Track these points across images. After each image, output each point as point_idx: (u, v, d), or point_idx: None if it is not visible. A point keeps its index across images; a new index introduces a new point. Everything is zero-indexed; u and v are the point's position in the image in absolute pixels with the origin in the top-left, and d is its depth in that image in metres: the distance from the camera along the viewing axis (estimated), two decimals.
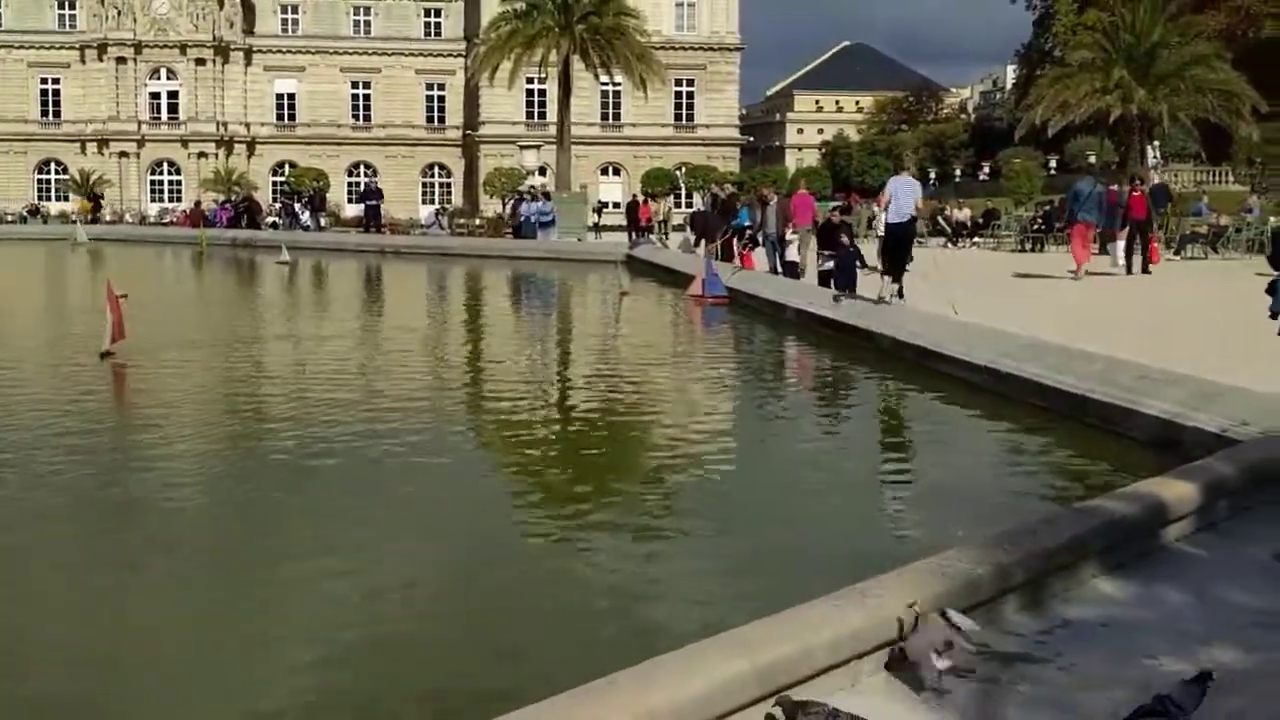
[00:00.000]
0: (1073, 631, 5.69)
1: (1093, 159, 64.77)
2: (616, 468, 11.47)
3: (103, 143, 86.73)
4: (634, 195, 60.87)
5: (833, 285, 22.43)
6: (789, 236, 28.10)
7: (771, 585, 6.93)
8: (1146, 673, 5.19)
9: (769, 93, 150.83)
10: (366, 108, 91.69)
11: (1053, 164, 69.76)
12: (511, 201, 57.89)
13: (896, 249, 20.48)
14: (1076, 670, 5.20)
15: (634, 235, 46.49)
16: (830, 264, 23.11)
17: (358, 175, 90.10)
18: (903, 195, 20.60)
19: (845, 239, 23.69)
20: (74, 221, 65.30)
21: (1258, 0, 68.37)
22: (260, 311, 27.83)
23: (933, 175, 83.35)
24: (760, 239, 31.02)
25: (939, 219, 48.60)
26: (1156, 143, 58.09)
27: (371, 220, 57.68)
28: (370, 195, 58.79)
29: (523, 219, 53.97)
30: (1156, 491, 7.08)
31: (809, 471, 10.93)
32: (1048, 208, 45.37)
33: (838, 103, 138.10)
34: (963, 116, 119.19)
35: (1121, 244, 30.08)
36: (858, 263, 23.32)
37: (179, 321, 23.55)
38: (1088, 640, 5.57)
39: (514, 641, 6.72)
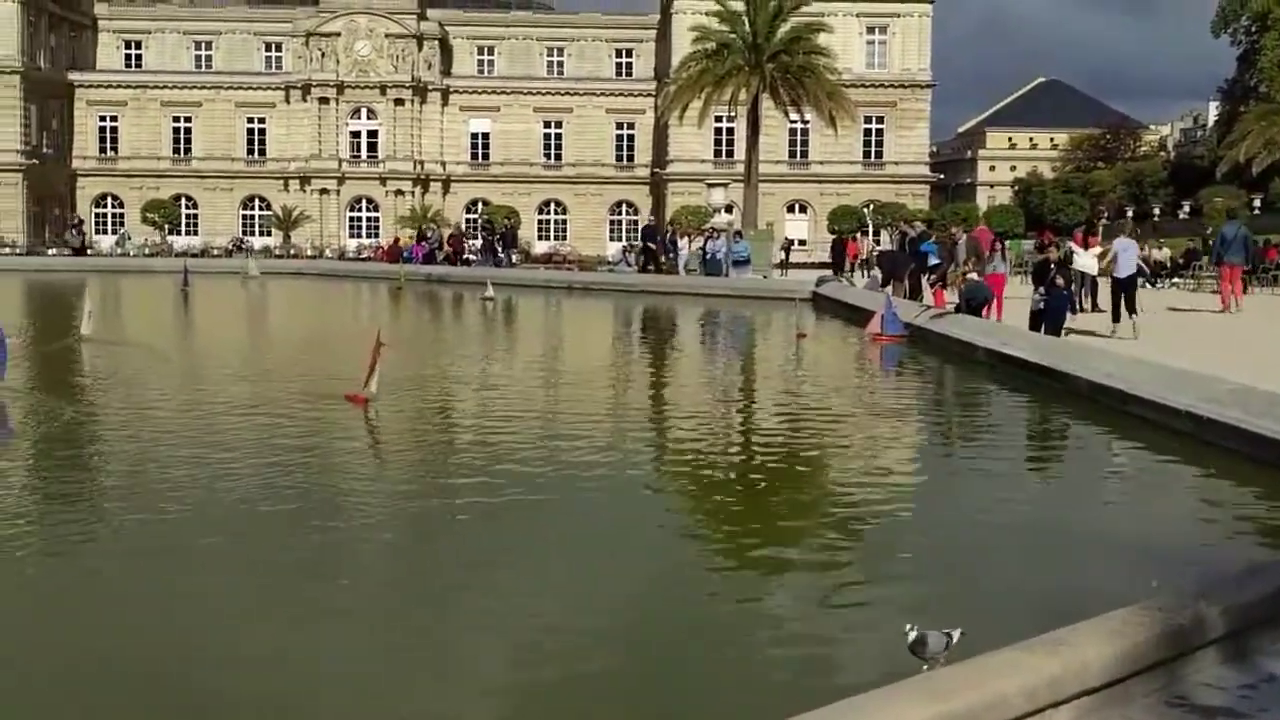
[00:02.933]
0: (1278, 687, 5.50)
1: None
2: (788, 512, 11.38)
3: (304, 180, 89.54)
4: (840, 233, 60.86)
5: (1042, 328, 22.10)
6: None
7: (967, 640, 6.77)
8: None
9: (961, 129, 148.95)
10: (558, 146, 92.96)
11: (1257, 203, 67.28)
12: (668, 237, 58.27)
13: (1123, 296, 21.34)
14: None
15: (838, 273, 46.54)
16: (1042, 304, 22.74)
17: (548, 213, 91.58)
18: (1125, 254, 23.52)
19: (1060, 280, 23.25)
20: (251, 255, 67.53)
21: None
22: (488, 349, 27.90)
23: (1129, 214, 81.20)
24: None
25: (1139, 259, 47.26)
26: None
27: (649, 260, 55.31)
28: (649, 235, 57.17)
29: (708, 256, 54.26)
30: None
31: (995, 519, 10.74)
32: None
33: (1031, 140, 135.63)
34: (1162, 154, 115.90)
35: None
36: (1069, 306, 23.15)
37: (426, 361, 23.17)
38: None
39: (691, 684, 6.76)
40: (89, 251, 78.58)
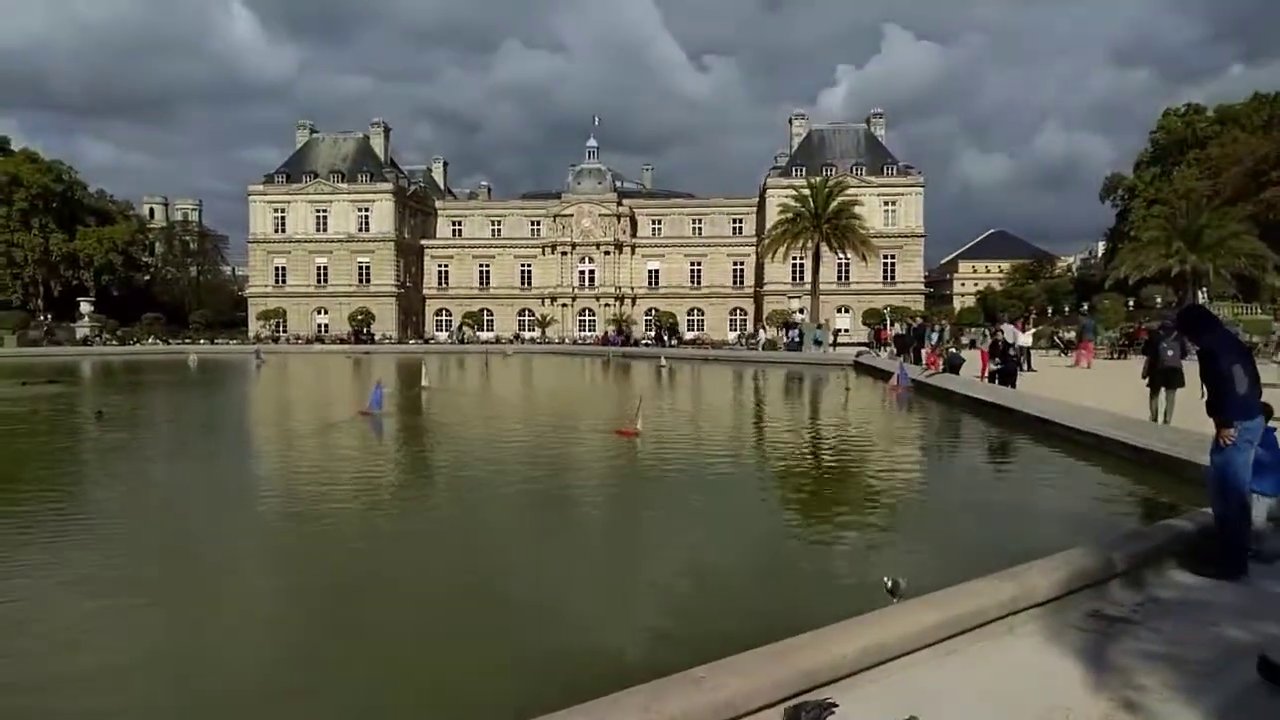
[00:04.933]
0: (1159, 604, 5.27)
1: (1159, 300, 59.27)
2: (848, 489, 11.20)
3: (553, 299, 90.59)
4: (873, 326, 60.16)
5: (996, 380, 21.50)
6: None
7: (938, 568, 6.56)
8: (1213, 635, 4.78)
9: (943, 261, 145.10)
10: (698, 276, 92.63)
11: (1130, 303, 64.11)
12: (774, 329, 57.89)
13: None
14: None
15: (873, 348, 46.39)
16: (999, 367, 22.16)
17: (693, 315, 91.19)
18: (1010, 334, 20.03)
19: (1011, 352, 22.85)
20: (508, 344, 68.63)
21: (1274, 196, 61.71)
22: (681, 397, 26.71)
23: (1050, 310, 77.95)
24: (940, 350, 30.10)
25: (1054, 338, 45.82)
26: (1204, 288, 52.77)
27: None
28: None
29: (788, 340, 54.01)
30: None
31: (952, 482, 10.38)
32: (1130, 330, 42.37)
33: (986, 267, 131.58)
34: (1069, 274, 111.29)
35: None
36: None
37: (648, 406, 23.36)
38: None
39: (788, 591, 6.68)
40: (429, 340, 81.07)
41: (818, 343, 48.92)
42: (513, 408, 23.71)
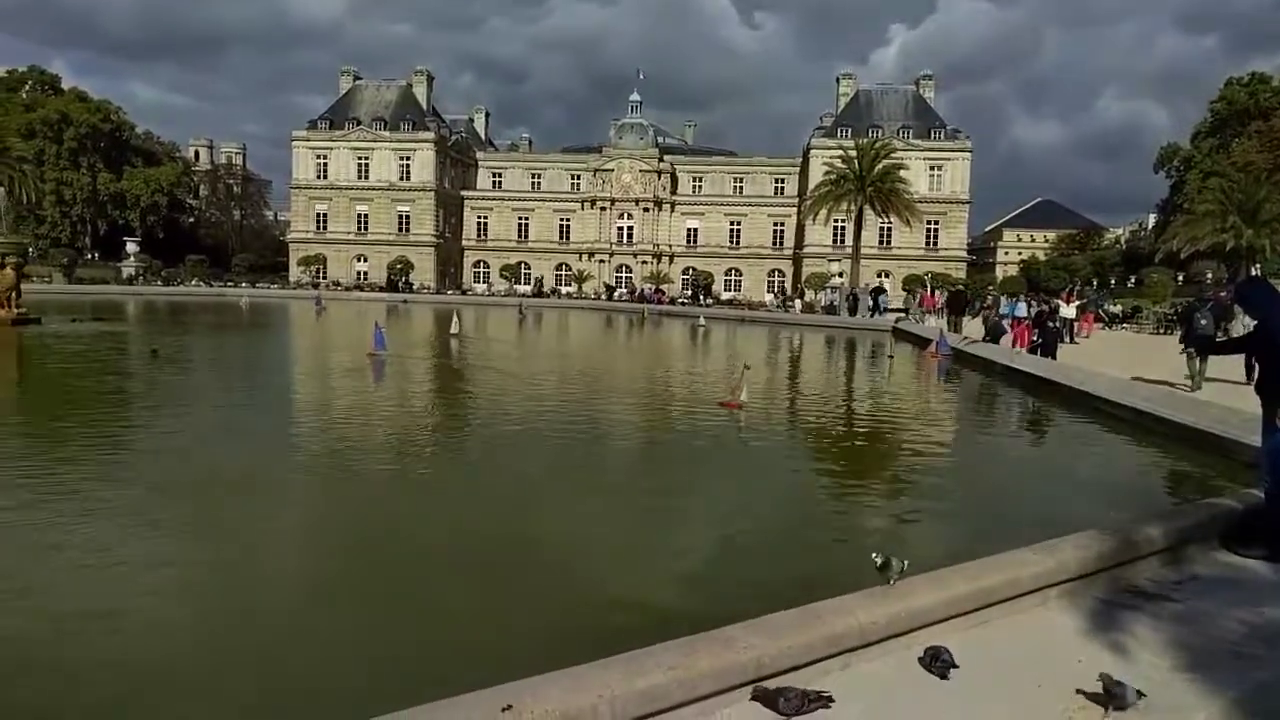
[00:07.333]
0: (1200, 583, 5.17)
1: (1209, 275, 57.83)
2: (877, 451, 11.11)
3: (590, 254, 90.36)
4: (922, 291, 59.38)
5: (1039, 352, 21.14)
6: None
7: (966, 532, 6.44)
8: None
9: (987, 229, 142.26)
10: (737, 236, 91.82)
11: (1179, 278, 62.52)
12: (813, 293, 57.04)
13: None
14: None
15: (913, 314, 45.16)
16: (1039, 339, 21.81)
17: (730, 275, 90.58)
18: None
19: (1051, 324, 22.45)
20: (523, 298, 68.06)
21: None
22: (721, 354, 27.11)
23: (1095, 283, 76.33)
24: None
25: (1099, 311, 44.88)
26: (1257, 265, 51.38)
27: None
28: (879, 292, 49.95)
29: (826, 304, 53.45)
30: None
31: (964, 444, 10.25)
32: (1180, 306, 41.36)
33: (1031, 236, 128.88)
34: (1117, 246, 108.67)
35: None
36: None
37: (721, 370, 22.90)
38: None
39: (811, 553, 6.64)
40: (467, 291, 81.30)
41: (882, 310, 47.68)
42: (527, 352, 23.76)
